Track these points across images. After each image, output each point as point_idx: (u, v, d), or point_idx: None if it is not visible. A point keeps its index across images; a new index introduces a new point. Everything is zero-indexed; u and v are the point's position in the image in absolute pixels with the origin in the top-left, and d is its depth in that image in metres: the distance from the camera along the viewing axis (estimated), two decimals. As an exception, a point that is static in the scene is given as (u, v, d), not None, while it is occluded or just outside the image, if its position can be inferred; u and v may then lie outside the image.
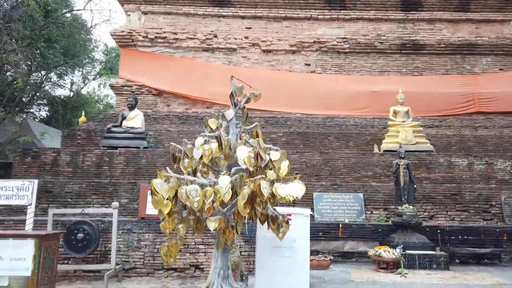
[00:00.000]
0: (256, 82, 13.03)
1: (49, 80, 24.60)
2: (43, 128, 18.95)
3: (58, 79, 25.82)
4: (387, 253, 7.31)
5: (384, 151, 10.97)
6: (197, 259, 8.88)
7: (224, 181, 4.34)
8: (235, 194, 4.64)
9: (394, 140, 10.95)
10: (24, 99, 22.45)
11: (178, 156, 5.02)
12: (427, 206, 9.82)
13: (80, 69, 25.92)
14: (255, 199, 4.30)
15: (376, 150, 11.05)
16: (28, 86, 21.82)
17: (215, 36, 12.96)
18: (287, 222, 5.36)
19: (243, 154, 4.64)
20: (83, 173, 10.21)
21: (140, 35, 12.70)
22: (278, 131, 11.68)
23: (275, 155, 4.67)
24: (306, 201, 9.86)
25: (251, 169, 4.62)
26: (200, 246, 8.91)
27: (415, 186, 8.65)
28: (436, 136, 11.83)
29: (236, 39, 13.02)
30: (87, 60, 25.69)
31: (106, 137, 10.68)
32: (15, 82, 18.34)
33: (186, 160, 5.00)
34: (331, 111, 12.59)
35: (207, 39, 12.89)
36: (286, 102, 12.55)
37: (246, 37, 13.01)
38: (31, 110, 24.78)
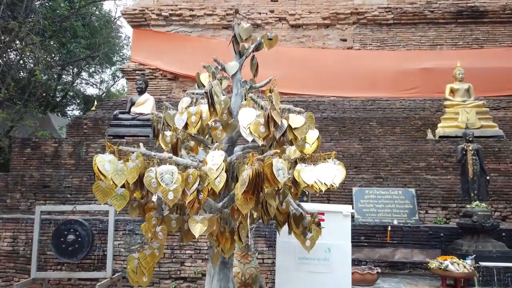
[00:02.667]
0: (283, 62, 11.42)
1: (80, 78, 24.20)
2: (63, 122, 18.24)
3: (89, 77, 25.43)
4: (456, 265, 5.44)
5: (440, 137, 8.99)
6: (211, 267, 7.38)
7: (215, 159, 2.74)
8: (235, 179, 3.05)
9: (453, 124, 8.95)
10: (55, 98, 22.05)
11: (159, 129, 3.48)
12: (499, 204, 7.79)
13: (108, 66, 25.30)
14: (262, 187, 2.66)
15: (429, 136, 9.09)
16: (59, 86, 21.42)
17: (237, 12, 11.36)
18: (319, 224, 3.71)
19: (248, 119, 3.02)
20: (86, 166, 8.96)
21: (153, 13, 11.37)
22: (310, 116, 9.95)
23: (297, 120, 3.01)
24: (343, 197, 8.11)
25: (261, 143, 2.99)
26: (215, 252, 7.40)
27: (487, 178, 6.67)
28: (504, 119, 9.68)
29: (260, 13, 11.41)
30: (116, 58, 25.10)
31: (112, 125, 9.40)
32: (34, 75, 17.69)
33: (169, 133, 3.45)
34: (372, 93, 10.71)
35: (227, 15, 11.37)
36: (319, 83, 10.80)
37: (272, 11, 11.37)
38: (67, 110, 24.52)
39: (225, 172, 2.71)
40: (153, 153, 2.90)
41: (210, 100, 2.97)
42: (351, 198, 8.02)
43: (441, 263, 5.58)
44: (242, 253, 4.91)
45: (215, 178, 2.70)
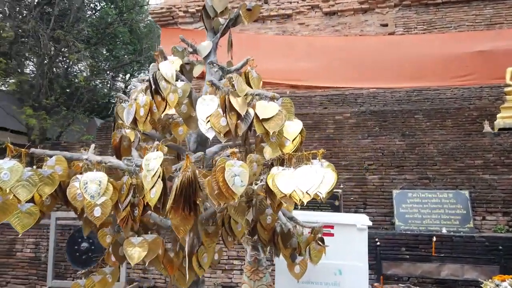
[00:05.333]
0: (316, 53, 10.53)
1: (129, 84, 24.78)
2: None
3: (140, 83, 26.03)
4: (518, 289, 4.31)
5: (500, 129, 7.65)
6: (231, 278, 6.75)
7: (151, 163, 2.07)
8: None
9: (515, 114, 7.58)
10: (102, 103, 22.71)
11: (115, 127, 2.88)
12: None
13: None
14: (195, 200, 1.94)
15: (487, 128, 7.75)
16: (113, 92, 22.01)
17: (266, 2, 10.71)
18: (321, 242, 2.93)
19: (207, 110, 2.32)
20: (111, 170, 8.73)
21: (180, 10, 10.99)
22: (345, 111, 8.99)
23: (267, 108, 2.26)
24: (382, 201, 7.11)
25: (223, 140, 2.27)
26: (235, 262, 6.76)
27: (561, 177, 5.39)
28: None
29: (291, 2, 10.59)
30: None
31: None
32: (77, 81, 18.22)
33: (127, 131, 2.84)
34: (418, 82, 9.48)
35: (256, 6, 10.69)
36: (356, 74, 9.77)
37: (303, -1, 10.53)
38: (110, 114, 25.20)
39: (162, 180, 2.02)
40: (86, 155, 2.30)
41: (154, 87, 2.30)
42: (391, 202, 7.00)
43: (498, 285, 4.47)
44: (252, 269, 4.21)
45: (150, 188, 2.02)
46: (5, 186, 1.93)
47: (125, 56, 22.62)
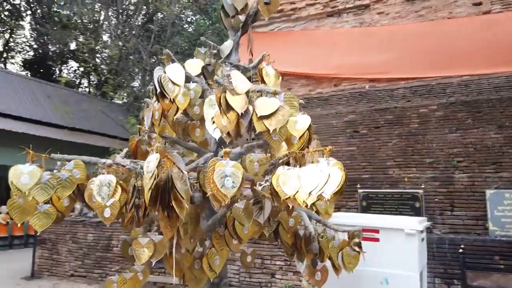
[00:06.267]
0: (398, 42, 9.74)
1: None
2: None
3: None
4: None
5: None
6: (301, 281, 6.58)
7: (150, 164, 2.10)
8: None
9: None
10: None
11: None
12: None
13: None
14: (169, 201, 1.90)
15: None
16: None
17: (340, -5, 10.29)
18: (358, 247, 2.71)
19: (211, 111, 2.29)
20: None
21: (255, 14, 11.15)
22: (431, 103, 8.15)
23: (266, 104, 2.13)
24: (473, 203, 6.28)
25: (227, 140, 2.22)
26: (306, 265, 6.58)
27: None
28: None
29: (368, -9, 10.02)
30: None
31: (214, 130, 9.47)
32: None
33: (154, 135, 2.94)
34: (521, 65, 8.17)
35: (331, 1, 10.33)
36: (445, 62, 8.79)
37: (382, -14, 9.85)
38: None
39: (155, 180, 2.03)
40: (103, 160, 2.43)
41: (160, 90, 2.34)
42: (484, 204, 6.14)
43: None
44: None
45: (149, 190, 2.06)
46: (25, 188, 2.13)
47: None
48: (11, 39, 27.96)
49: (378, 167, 7.48)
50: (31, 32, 27.38)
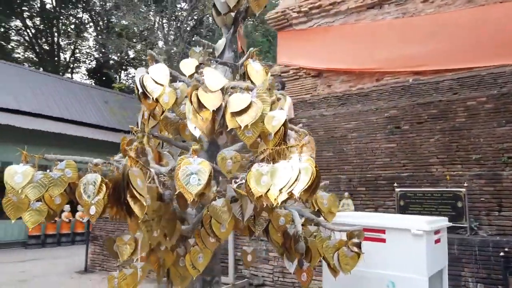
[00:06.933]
0: (445, 31, 9.11)
1: None
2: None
3: None
4: None
5: None
6: (336, 283, 6.40)
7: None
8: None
9: None
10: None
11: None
12: None
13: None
14: (125, 200, 1.92)
15: None
16: None
17: (382, -14, 9.85)
18: (357, 247, 2.61)
19: (191, 109, 2.30)
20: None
21: (294, 11, 11.04)
22: (480, 95, 7.54)
23: (238, 100, 2.10)
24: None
25: (205, 139, 2.22)
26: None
27: None
28: None
29: (411, -20, 9.50)
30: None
31: (252, 130, 9.52)
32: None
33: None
34: None
35: (371, -8, 9.95)
36: (496, 50, 8.09)
37: (427, -28, 9.29)
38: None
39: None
40: (95, 160, 2.54)
41: (142, 90, 2.39)
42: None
43: None
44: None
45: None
46: (17, 187, 2.28)
47: (266, 64, 23.88)
48: (76, 51, 30.28)
49: (418, 165, 7.06)
50: (94, 43, 29.47)
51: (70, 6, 28.55)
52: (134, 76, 2.51)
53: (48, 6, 27.59)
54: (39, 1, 27.05)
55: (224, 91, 2.19)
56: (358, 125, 8.44)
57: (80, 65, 30.77)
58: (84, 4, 27.79)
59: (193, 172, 1.94)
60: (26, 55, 28.27)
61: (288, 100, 9.06)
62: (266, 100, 2.15)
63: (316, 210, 2.98)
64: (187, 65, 2.86)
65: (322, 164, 8.12)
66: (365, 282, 2.88)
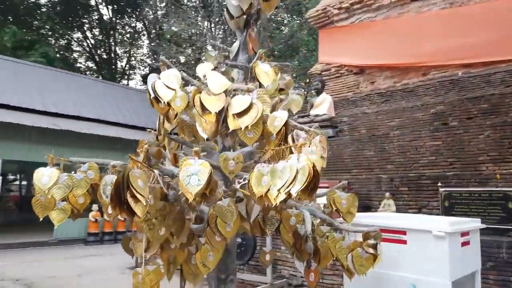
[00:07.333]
0: (496, 20, 8.48)
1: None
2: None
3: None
4: None
5: None
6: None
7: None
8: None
9: None
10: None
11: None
12: None
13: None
14: (126, 200, 2.01)
15: None
16: None
17: (427, -24, 9.39)
18: (373, 248, 2.58)
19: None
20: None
21: (335, 8, 10.85)
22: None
23: (239, 102, 2.15)
24: None
25: (211, 140, 2.29)
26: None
27: None
28: None
29: (458, -33, 8.96)
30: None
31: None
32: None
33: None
34: None
35: (415, -17, 9.52)
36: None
37: (475, -42, 8.71)
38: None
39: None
40: (114, 161, 2.71)
41: (153, 95, 2.51)
42: None
43: None
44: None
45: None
46: (44, 188, 2.50)
47: (312, 63, 23.53)
48: (132, 58, 31.94)
49: (466, 163, 6.65)
50: (147, 50, 30.92)
51: (126, 16, 30.19)
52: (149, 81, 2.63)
53: (105, 17, 29.40)
54: (97, 13, 28.91)
55: (227, 93, 2.24)
56: (402, 123, 8.12)
57: (135, 71, 32.42)
58: (137, 13, 29.24)
59: (193, 173, 2.01)
60: (86, 64, 30.33)
61: (328, 98, 9.01)
62: (266, 101, 2.17)
63: (334, 210, 2.95)
64: (203, 69, 2.95)
65: (363, 163, 7.91)
66: (386, 284, 2.79)
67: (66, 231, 13.17)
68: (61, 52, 27.37)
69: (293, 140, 2.36)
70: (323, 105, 9.12)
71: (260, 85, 2.54)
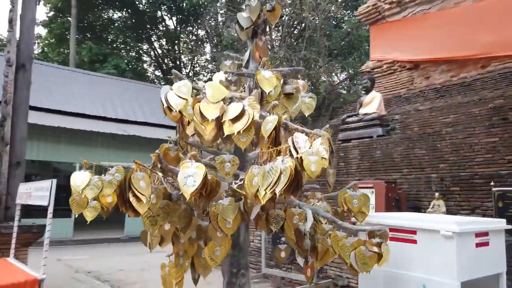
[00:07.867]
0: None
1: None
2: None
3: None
4: None
5: None
6: None
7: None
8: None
9: None
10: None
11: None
12: None
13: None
14: (128, 200, 2.27)
15: None
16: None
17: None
18: (377, 247, 2.68)
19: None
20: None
21: (385, 3, 10.52)
22: None
23: (233, 109, 2.34)
24: None
25: (209, 145, 2.52)
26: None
27: None
28: None
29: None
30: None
31: (341, 129, 9.41)
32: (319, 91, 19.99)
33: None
34: None
35: (472, -30, 8.94)
36: None
37: None
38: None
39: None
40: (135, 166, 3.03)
41: (166, 105, 2.78)
42: None
43: None
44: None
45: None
46: (78, 189, 2.90)
47: (350, 65, 22.71)
48: (196, 65, 33.44)
49: (526, 161, 6.15)
50: (209, 56, 32.15)
51: (189, 25, 31.69)
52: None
53: (170, 27, 31.12)
54: (163, 24, 30.71)
55: (225, 101, 2.44)
56: (457, 119, 7.70)
57: (199, 77, 33.85)
58: (199, 22, 30.55)
59: (189, 175, 2.24)
60: (155, 74, 32.35)
61: (377, 96, 8.88)
62: (257, 108, 2.33)
63: (346, 209, 3.02)
64: (217, 78, 3.18)
65: (414, 162, 7.63)
66: (398, 284, 2.79)
67: (135, 229, 14.24)
68: (132, 63, 29.51)
69: (293, 143, 2.49)
70: (372, 103, 8.93)
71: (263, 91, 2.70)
